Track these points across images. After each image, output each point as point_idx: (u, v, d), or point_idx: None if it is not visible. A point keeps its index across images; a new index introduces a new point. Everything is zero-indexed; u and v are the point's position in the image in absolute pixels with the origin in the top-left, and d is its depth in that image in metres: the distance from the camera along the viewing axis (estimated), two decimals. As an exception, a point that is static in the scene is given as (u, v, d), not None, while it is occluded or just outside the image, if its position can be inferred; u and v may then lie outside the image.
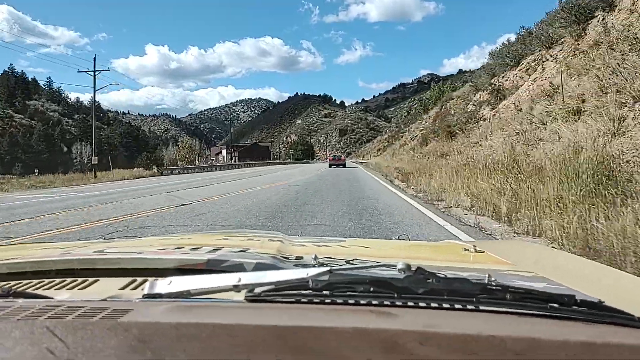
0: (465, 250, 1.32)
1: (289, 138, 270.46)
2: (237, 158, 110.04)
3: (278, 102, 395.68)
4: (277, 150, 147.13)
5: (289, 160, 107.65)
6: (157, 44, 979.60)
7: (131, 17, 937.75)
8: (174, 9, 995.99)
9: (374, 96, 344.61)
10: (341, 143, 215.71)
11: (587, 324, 0.60)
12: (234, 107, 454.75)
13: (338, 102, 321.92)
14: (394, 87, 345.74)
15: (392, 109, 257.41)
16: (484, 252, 1.27)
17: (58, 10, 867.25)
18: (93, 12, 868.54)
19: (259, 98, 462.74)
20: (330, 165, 37.23)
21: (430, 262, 1.14)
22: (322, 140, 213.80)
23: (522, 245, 2.08)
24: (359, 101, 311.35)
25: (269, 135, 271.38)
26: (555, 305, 0.63)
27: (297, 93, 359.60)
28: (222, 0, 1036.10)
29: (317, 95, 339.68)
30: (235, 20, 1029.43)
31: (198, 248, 1.16)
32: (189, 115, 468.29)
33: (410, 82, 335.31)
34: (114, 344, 0.53)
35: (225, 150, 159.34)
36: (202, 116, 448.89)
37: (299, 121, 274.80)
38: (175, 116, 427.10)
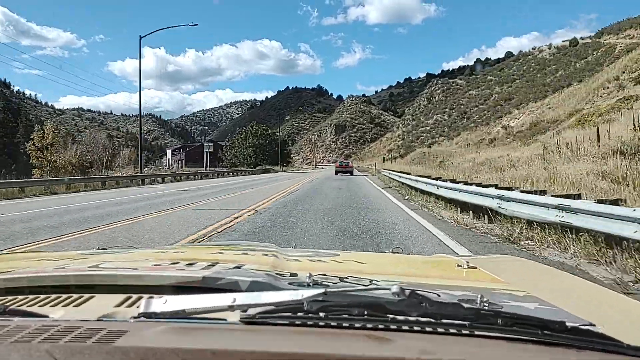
0: (458, 266, 1.33)
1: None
2: (183, 162, 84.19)
3: (266, 97, 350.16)
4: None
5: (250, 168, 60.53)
6: (154, 46, 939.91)
7: (128, 19, 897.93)
8: (170, 10, 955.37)
9: (376, 91, 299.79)
10: (338, 142, 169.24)
11: (578, 351, 0.61)
12: (227, 109, 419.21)
13: (335, 96, 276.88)
14: (398, 82, 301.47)
15: (400, 103, 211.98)
16: (476, 268, 1.28)
17: (54, 11, 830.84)
18: (89, 14, 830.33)
19: (255, 99, 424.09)
20: (336, 172, 32.35)
21: (424, 279, 1.16)
22: (314, 140, 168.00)
23: (514, 262, 2.08)
24: (359, 96, 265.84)
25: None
26: (546, 331, 0.63)
27: (287, 87, 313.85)
28: (219, 2, 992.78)
29: (311, 88, 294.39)
30: (232, 23, 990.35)
31: (193, 264, 1.16)
32: (181, 117, 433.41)
33: (418, 76, 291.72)
34: None
35: (170, 152, 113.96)
36: (194, 118, 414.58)
37: (288, 117, 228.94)
38: (160, 116, 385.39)
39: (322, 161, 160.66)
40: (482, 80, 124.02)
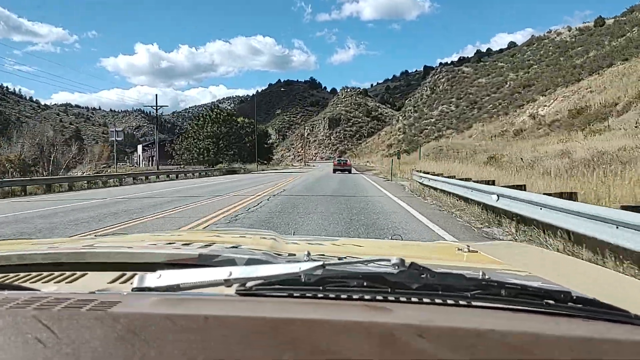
0: (459, 250, 1.30)
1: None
2: (153, 159, 67.61)
3: (257, 91, 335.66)
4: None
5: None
6: (147, 42, 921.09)
7: (120, 15, 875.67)
8: (162, 6, 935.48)
9: (371, 85, 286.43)
10: (332, 137, 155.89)
11: (584, 321, 0.59)
12: (220, 105, 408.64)
13: (329, 89, 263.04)
14: (395, 76, 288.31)
15: (397, 96, 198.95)
16: (477, 252, 1.26)
17: (45, 7, 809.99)
18: (81, 10, 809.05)
19: (247, 95, 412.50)
20: (334, 171, 34.08)
21: (424, 260, 1.14)
22: (305, 134, 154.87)
23: (515, 247, 2.04)
24: (355, 88, 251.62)
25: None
26: (551, 301, 0.61)
27: (279, 80, 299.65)
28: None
29: (303, 81, 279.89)
30: (225, 19, 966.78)
31: (190, 244, 1.15)
32: (172, 112, 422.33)
33: (415, 70, 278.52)
34: (102, 334, 0.52)
35: (140, 147, 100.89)
36: (185, 114, 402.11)
37: (278, 111, 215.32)
38: (150, 112, 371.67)
39: (314, 158, 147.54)
40: (492, 67, 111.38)
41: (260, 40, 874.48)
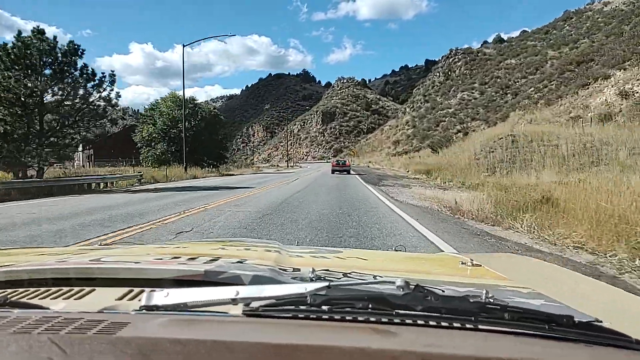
0: (462, 263, 1.31)
1: (250, 129, 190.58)
2: (92, 158, 55.78)
3: (246, 86, 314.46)
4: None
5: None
6: (141, 42, 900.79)
7: (116, 13, 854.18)
8: (157, 6, 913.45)
9: (369, 80, 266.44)
10: (325, 134, 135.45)
11: (587, 346, 0.59)
12: (214, 103, 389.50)
13: (323, 83, 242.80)
14: (394, 71, 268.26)
15: (399, 89, 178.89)
16: (480, 266, 1.26)
17: (39, 5, 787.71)
18: (76, 9, 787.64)
19: (236, 93, 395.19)
20: (333, 172, 35.00)
21: (428, 276, 1.14)
22: (296, 131, 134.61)
23: (518, 260, 2.09)
24: (352, 78, 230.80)
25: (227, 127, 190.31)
26: (554, 325, 0.62)
27: (270, 74, 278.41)
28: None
29: (295, 74, 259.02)
30: (221, 18, 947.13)
31: (195, 258, 1.15)
32: None
33: (415, 64, 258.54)
34: (114, 358, 0.52)
35: (81, 145, 79.32)
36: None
37: (267, 106, 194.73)
38: (138, 111, 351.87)
39: (305, 157, 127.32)
40: (522, 47, 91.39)
41: (256, 40, 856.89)
